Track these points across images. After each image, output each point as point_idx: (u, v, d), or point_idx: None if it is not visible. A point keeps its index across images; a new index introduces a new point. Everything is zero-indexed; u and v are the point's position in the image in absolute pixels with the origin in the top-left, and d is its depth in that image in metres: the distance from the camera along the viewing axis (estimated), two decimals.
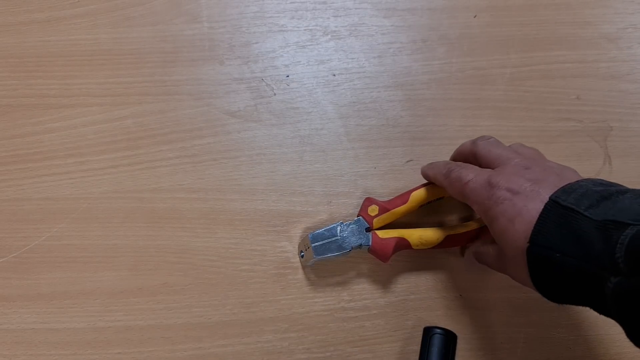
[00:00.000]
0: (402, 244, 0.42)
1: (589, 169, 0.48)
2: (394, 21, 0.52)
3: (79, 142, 0.48)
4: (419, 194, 0.43)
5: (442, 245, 0.43)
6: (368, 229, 0.42)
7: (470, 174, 0.37)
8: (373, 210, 0.42)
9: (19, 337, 0.43)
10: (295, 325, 0.44)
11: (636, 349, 0.28)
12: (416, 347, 0.43)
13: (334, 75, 0.50)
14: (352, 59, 0.51)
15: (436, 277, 0.45)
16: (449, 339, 0.41)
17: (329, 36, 0.51)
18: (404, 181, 0.47)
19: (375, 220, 0.42)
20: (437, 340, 0.41)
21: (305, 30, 0.51)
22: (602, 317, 0.30)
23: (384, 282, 0.45)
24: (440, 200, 0.45)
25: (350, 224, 0.42)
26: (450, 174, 0.38)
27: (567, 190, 0.31)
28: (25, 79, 0.49)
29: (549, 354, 0.44)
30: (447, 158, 0.48)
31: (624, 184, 0.47)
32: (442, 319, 0.44)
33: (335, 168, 0.48)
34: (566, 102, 0.50)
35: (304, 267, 0.44)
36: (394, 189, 0.47)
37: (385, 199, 0.44)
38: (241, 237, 0.45)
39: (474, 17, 0.52)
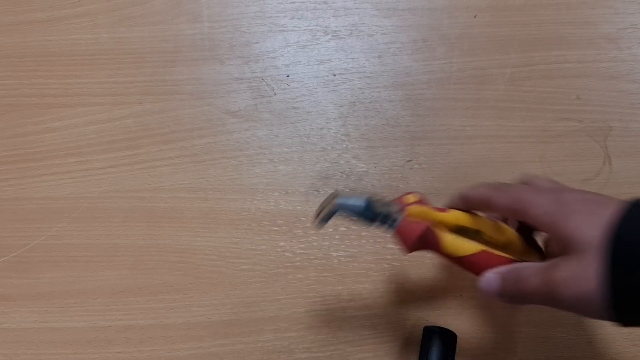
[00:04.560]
0: (431, 238, 0.34)
1: (589, 169, 0.48)
2: (394, 21, 0.52)
3: (79, 142, 0.48)
4: (457, 214, 0.36)
5: (472, 262, 0.34)
6: (398, 212, 0.35)
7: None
8: (410, 198, 0.36)
9: (20, 337, 0.43)
10: (295, 325, 0.44)
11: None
12: (416, 346, 0.43)
13: (334, 75, 0.50)
14: (353, 58, 0.51)
15: (436, 277, 0.45)
16: (449, 338, 0.41)
17: (330, 36, 0.51)
18: (404, 181, 0.47)
19: (409, 208, 0.35)
20: (437, 340, 0.41)
21: (305, 30, 0.51)
22: None
23: (384, 281, 0.45)
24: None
25: (383, 199, 0.36)
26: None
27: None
28: (26, 79, 0.49)
29: (549, 353, 0.44)
30: (447, 158, 0.48)
31: (624, 185, 0.48)
32: (441, 319, 0.44)
33: (336, 168, 0.48)
34: (566, 102, 0.50)
35: (316, 227, 0.37)
36: (394, 189, 0.47)
37: (387, 197, 0.44)
38: (242, 236, 0.46)
39: (474, 17, 0.52)
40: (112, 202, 0.46)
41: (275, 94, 0.49)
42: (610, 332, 0.44)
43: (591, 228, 0.27)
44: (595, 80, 0.51)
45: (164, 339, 0.43)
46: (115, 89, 0.49)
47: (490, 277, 0.32)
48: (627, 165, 0.48)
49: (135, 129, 0.48)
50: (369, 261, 0.45)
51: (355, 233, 0.46)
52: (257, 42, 0.51)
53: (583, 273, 0.27)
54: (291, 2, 0.52)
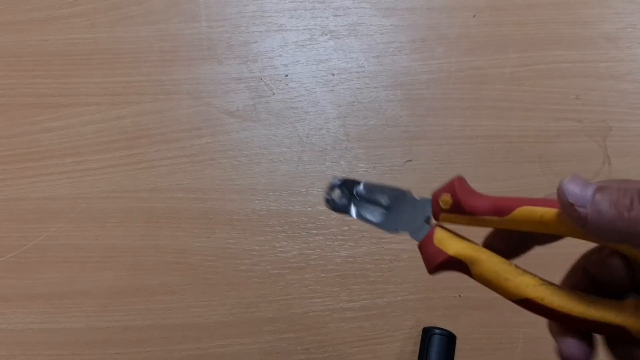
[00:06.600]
0: (460, 267, 0.28)
1: (588, 169, 0.48)
2: (393, 21, 0.52)
3: (77, 142, 0.47)
4: (528, 213, 0.25)
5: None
6: (428, 220, 0.28)
7: None
8: (445, 202, 0.27)
9: (17, 337, 0.43)
10: (293, 326, 0.43)
11: None
12: (415, 347, 0.43)
13: (333, 74, 0.50)
14: (351, 58, 0.51)
15: (435, 277, 0.45)
16: (448, 339, 0.41)
17: (328, 36, 0.51)
18: (403, 181, 0.47)
19: (442, 215, 0.27)
20: (436, 341, 0.41)
21: (304, 29, 0.51)
22: None
23: (383, 282, 0.45)
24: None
25: (414, 200, 0.28)
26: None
27: None
28: (23, 78, 0.49)
29: (548, 354, 0.44)
30: (446, 158, 0.48)
31: None
32: (441, 319, 0.44)
33: (334, 168, 0.48)
34: (565, 102, 0.50)
35: (329, 206, 0.31)
36: None
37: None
38: (240, 237, 0.45)
39: (473, 16, 0.52)
40: (109, 203, 0.46)
41: (273, 94, 0.49)
42: None
43: None
44: (595, 80, 0.51)
45: (161, 340, 0.43)
46: (113, 89, 0.49)
47: (580, 188, 0.21)
48: (627, 165, 0.48)
49: (133, 129, 0.48)
50: (367, 262, 0.45)
51: (353, 234, 0.46)
52: (256, 42, 0.51)
53: None
54: (289, 2, 0.52)
